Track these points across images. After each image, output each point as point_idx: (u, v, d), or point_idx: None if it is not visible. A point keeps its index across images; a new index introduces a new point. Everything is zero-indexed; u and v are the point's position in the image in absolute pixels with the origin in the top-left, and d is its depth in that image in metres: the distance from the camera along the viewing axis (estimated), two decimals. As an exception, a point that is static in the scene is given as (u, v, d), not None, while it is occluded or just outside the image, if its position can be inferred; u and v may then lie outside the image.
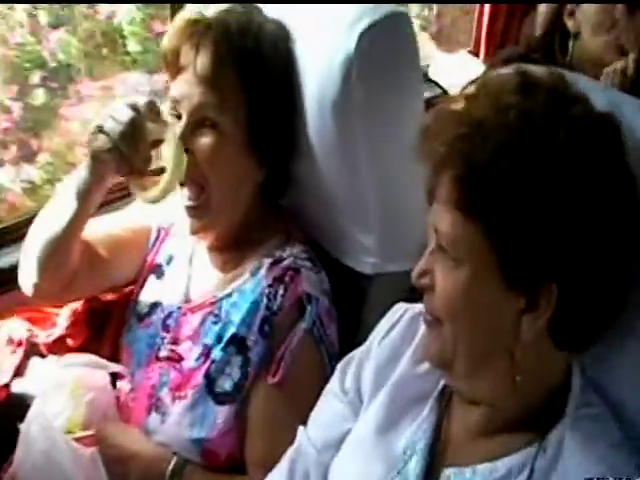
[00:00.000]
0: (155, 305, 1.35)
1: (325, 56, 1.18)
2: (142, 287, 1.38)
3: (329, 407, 1.06)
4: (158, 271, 1.38)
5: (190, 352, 1.25)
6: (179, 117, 1.24)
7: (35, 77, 2.36)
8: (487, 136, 0.82)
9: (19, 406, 1.34)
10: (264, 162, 1.27)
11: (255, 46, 1.22)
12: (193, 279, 1.35)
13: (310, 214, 1.34)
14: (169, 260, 1.38)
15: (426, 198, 0.89)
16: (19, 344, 1.42)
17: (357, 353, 1.06)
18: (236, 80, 1.21)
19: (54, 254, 1.26)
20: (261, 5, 1.30)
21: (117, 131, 1.14)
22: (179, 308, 1.31)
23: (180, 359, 1.25)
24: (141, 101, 1.18)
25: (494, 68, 1.07)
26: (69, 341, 1.37)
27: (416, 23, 2.85)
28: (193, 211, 1.24)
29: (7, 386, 1.40)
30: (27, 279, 1.32)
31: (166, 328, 1.31)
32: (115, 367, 1.30)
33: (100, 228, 1.33)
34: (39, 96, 2.37)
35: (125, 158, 1.15)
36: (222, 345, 1.21)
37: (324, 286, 1.25)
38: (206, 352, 1.23)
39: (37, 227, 1.32)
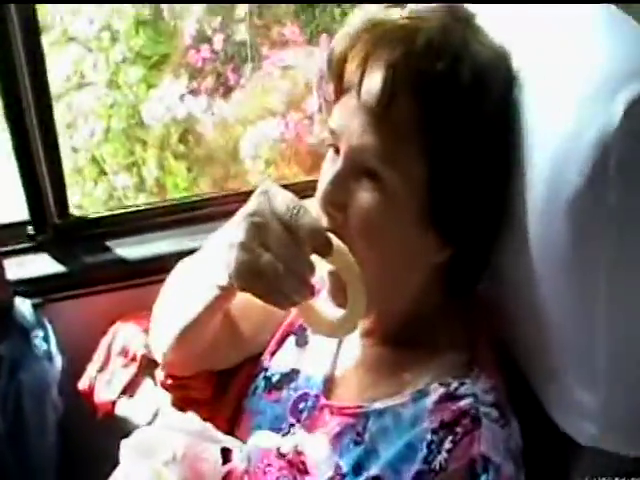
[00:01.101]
0: (289, 377, 0.97)
1: (565, 130, 0.72)
2: (279, 346, 1.02)
3: None
4: (301, 336, 1.00)
5: (318, 468, 0.87)
6: (338, 152, 0.84)
7: (240, 11, 2.09)
8: None
9: (119, 431, 1.09)
10: (448, 240, 0.84)
11: (450, 73, 0.77)
12: (339, 366, 0.95)
13: (510, 325, 0.90)
14: None
15: None
16: (133, 359, 1.14)
17: None
18: (415, 119, 0.78)
19: (183, 332, 0.96)
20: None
21: (273, 267, 0.74)
22: (317, 397, 0.93)
23: (304, 471, 0.88)
24: (306, 221, 0.75)
25: None
26: (191, 392, 1.07)
27: None
28: (331, 276, 0.85)
29: (113, 403, 1.14)
30: (156, 346, 1.04)
31: (296, 415, 0.93)
32: (231, 442, 0.95)
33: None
34: (241, 31, 2.13)
35: (279, 293, 0.77)
36: None
37: (511, 444, 0.80)
38: (337, 479, 0.85)
39: (168, 294, 1.02)
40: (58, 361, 1.20)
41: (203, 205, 1.36)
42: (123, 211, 1.39)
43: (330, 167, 0.84)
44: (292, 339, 0.99)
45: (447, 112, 0.78)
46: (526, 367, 0.87)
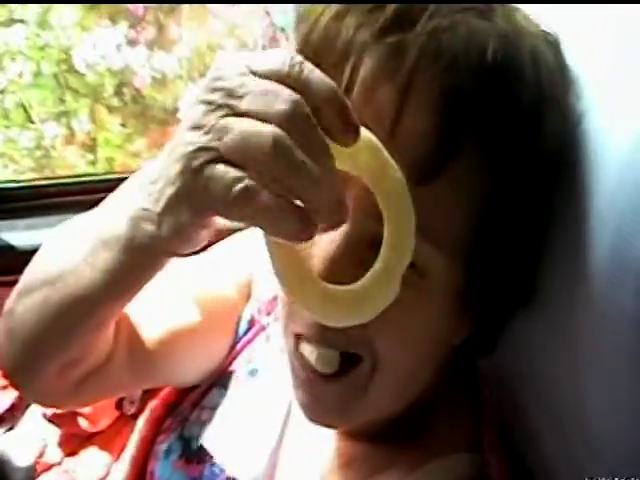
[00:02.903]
0: None
1: (635, 169, 0.46)
2: (202, 398, 0.72)
3: None
4: (229, 385, 0.71)
5: None
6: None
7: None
8: None
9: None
10: (477, 319, 0.58)
11: (535, 111, 0.50)
12: (287, 451, 0.65)
13: (527, 429, 0.63)
14: (252, 375, 0.71)
15: None
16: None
17: None
18: (479, 185, 0.50)
19: (67, 336, 0.57)
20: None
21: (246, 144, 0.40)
22: None
23: None
24: (316, 76, 0.41)
25: None
26: (82, 422, 0.79)
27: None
28: (324, 383, 0.55)
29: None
30: (13, 368, 0.61)
31: None
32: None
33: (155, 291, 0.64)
34: (188, -18, 1.88)
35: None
36: None
37: None
38: None
39: (40, 278, 0.59)
40: None
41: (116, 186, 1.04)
42: (14, 185, 1.07)
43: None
44: (217, 392, 0.71)
45: (518, 169, 0.50)
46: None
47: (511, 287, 0.56)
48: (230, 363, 0.71)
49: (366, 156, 0.43)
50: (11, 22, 1.94)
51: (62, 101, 1.99)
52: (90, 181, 1.06)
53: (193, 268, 0.71)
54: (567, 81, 0.53)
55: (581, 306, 0.50)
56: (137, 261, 0.49)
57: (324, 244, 0.50)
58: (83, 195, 1.00)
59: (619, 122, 0.49)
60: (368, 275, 0.45)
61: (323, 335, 0.52)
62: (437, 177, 0.48)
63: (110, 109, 1.97)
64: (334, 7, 0.51)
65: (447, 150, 0.47)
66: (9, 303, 0.61)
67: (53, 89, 1.96)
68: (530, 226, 0.53)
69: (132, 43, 1.90)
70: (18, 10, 1.95)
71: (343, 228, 0.48)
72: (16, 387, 0.63)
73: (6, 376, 0.62)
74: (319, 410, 0.55)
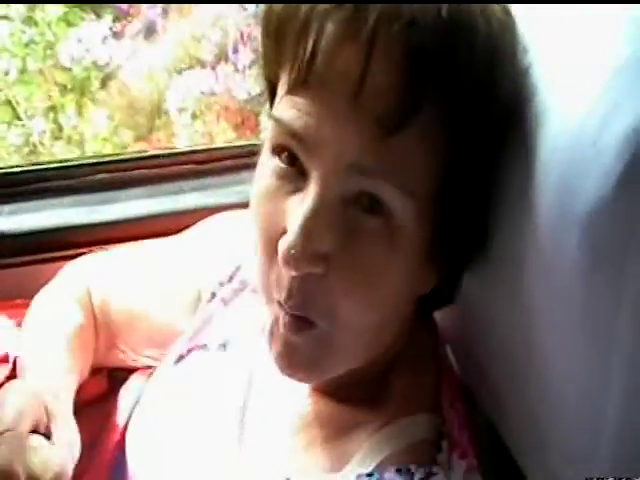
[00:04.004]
0: None
1: (583, 118, 0.47)
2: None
3: None
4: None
5: None
6: (294, 162, 0.55)
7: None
8: None
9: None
10: (443, 270, 0.59)
11: (489, 60, 0.51)
12: (254, 413, 0.66)
13: (482, 377, 0.66)
14: (223, 347, 0.71)
15: None
16: (3, 360, 0.87)
17: None
18: (440, 131, 0.52)
19: None
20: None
21: None
22: None
23: None
24: None
25: None
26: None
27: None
28: (295, 335, 0.56)
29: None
30: None
31: None
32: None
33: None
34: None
35: None
36: None
37: None
38: None
39: None
40: None
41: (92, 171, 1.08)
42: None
43: (285, 189, 0.55)
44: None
45: (478, 119, 0.53)
46: (502, 429, 0.63)
47: (471, 234, 0.57)
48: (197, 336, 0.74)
49: None
50: (-5, 19, 1.94)
51: (49, 96, 1.99)
52: (67, 167, 1.08)
53: (162, 250, 0.76)
54: (515, 32, 0.55)
55: (527, 257, 0.52)
56: None
57: (297, 209, 0.52)
58: (61, 180, 1.01)
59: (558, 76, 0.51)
60: None
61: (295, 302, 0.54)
62: (402, 129, 0.50)
63: (97, 103, 1.98)
64: None
65: (410, 104, 0.49)
66: None
67: (39, 85, 1.96)
68: (488, 174, 0.55)
69: (117, 36, 1.90)
70: (1, 6, 1.94)
71: (315, 189, 0.51)
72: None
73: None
74: (292, 362, 0.57)
